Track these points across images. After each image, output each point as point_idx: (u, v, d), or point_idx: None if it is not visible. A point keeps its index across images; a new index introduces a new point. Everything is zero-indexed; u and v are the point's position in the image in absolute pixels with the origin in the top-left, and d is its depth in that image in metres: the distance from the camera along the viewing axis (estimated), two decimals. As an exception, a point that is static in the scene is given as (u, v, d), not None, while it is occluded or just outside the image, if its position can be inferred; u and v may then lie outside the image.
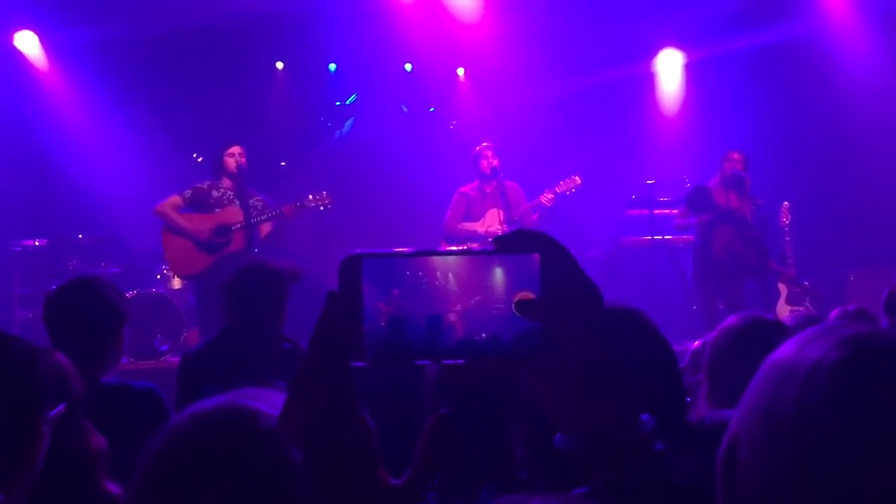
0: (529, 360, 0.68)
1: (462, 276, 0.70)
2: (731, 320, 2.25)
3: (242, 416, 0.91)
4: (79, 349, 2.31)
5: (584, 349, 0.67)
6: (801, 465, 0.64)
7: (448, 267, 0.70)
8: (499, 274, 0.69)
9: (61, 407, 1.36)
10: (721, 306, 6.41)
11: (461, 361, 0.68)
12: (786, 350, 0.71)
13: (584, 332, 0.67)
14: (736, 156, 6.41)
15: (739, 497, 0.69)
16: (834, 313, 3.02)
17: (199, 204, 6.03)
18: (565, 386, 0.67)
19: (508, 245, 0.70)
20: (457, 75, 9.16)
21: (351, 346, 0.68)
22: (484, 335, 0.69)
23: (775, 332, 2.19)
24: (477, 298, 0.69)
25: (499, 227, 6.34)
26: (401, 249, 0.71)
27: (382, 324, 0.69)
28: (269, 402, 0.91)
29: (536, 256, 0.69)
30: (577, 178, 6.42)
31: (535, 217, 6.44)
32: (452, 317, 0.69)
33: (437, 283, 0.70)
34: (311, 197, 6.06)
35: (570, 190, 6.42)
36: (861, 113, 8.02)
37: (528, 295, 0.68)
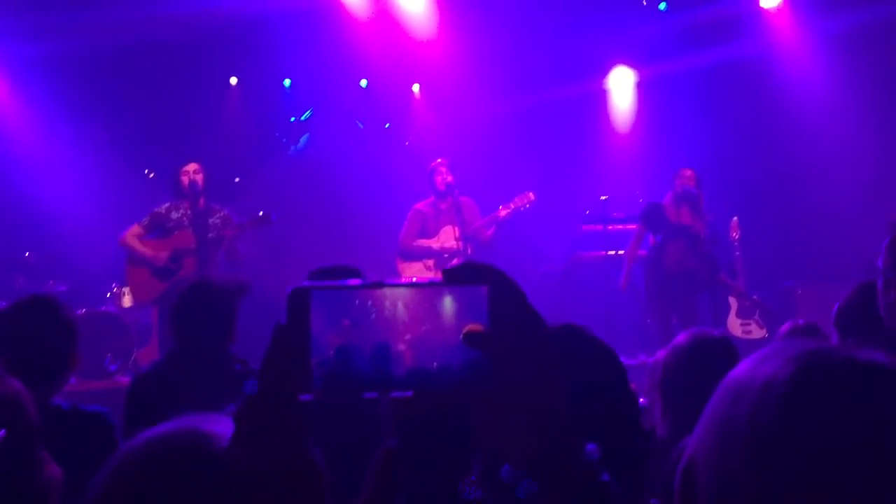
0: (478, 390, 0.68)
1: (411, 306, 0.69)
2: (679, 339, 2.28)
3: (200, 440, 0.89)
4: (32, 367, 2.26)
5: (529, 381, 0.67)
6: (756, 481, 0.65)
7: (397, 297, 0.70)
8: (448, 303, 0.69)
9: (2, 432, 1.31)
10: (674, 320, 6.50)
11: (409, 393, 0.68)
12: (740, 369, 0.72)
13: (531, 365, 0.67)
14: (688, 173, 6.50)
15: None
16: (784, 327, 3.08)
17: (159, 229, 6.00)
18: (511, 417, 0.67)
19: (457, 277, 0.70)
20: (412, 92, 9.19)
21: (299, 380, 0.67)
22: (435, 365, 0.69)
23: (722, 348, 2.23)
24: (426, 328, 0.69)
25: (454, 243, 6.35)
26: (350, 281, 0.70)
27: (331, 353, 0.68)
28: (227, 427, 0.89)
29: (485, 288, 0.69)
30: (531, 193, 6.47)
31: (490, 232, 6.46)
32: (402, 346, 0.69)
33: (386, 312, 0.69)
34: (254, 217, 6.00)
35: (524, 206, 6.46)
36: (807, 130, 8.23)
37: (476, 326, 0.68)
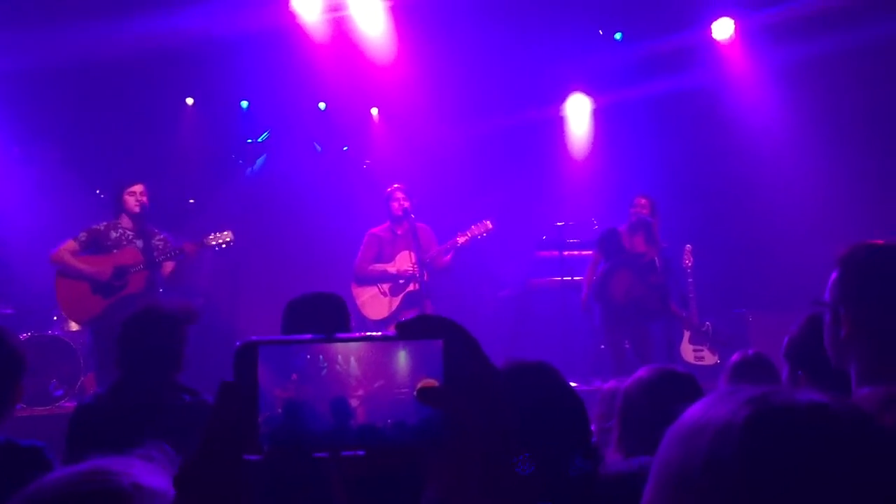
0: (433, 448, 0.66)
1: (364, 360, 0.67)
2: (643, 371, 2.29)
3: (108, 481, 0.86)
4: None
5: (487, 439, 0.65)
6: None
7: (350, 351, 0.68)
8: (402, 358, 0.68)
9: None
10: (628, 346, 6.52)
11: (361, 452, 0.66)
12: (693, 412, 0.73)
13: (487, 422, 0.66)
14: (642, 201, 6.53)
15: None
16: (734, 358, 3.10)
17: (95, 246, 5.78)
18: (467, 476, 0.65)
19: (411, 331, 0.68)
20: (371, 115, 9.19)
21: (245, 440, 0.64)
22: (389, 421, 0.67)
23: (686, 384, 2.24)
24: (380, 383, 0.67)
25: (411, 267, 6.33)
26: (299, 336, 0.68)
27: (280, 410, 0.66)
28: (139, 469, 0.86)
29: (439, 342, 0.67)
30: (488, 222, 6.45)
31: (447, 258, 6.44)
32: (354, 402, 0.67)
33: (338, 367, 0.67)
34: (212, 235, 5.89)
35: (481, 234, 6.44)
36: (758, 158, 8.41)
37: (430, 382, 0.66)
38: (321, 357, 0.68)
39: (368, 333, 0.70)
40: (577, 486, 1.37)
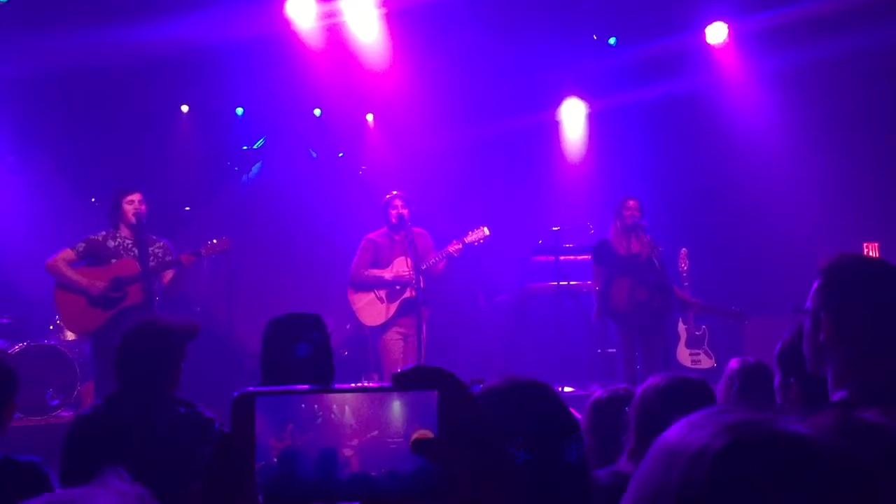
0: (427, 498, 0.66)
1: (359, 410, 0.68)
2: (655, 379, 2.31)
3: None
4: None
5: (482, 489, 0.66)
6: None
7: (345, 400, 0.68)
8: (397, 408, 0.69)
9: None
10: (638, 352, 6.46)
11: (356, 503, 0.66)
12: (672, 434, 0.73)
13: (483, 472, 0.66)
14: (632, 203, 6.53)
15: None
16: (733, 364, 3.09)
17: (93, 256, 5.65)
18: None
19: (407, 382, 0.69)
20: (366, 121, 9.20)
21: (242, 492, 0.65)
22: (383, 471, 0.67)
23: (699, 391, 2.26)
24: (374, 433, 0.68)
25: (407, 273, 6.30)
26: (296, 387, 0.69)
27: (274, 460, 0.66)
28: (106, 501, 0.85)
29: (434, 393, 0.68)
30: (485, 228, 6.40)
31: (442, 266, 6.41)
32: (348, 451, 0.67)
33: (332, 416, 0.68)
34: (209, 243, 5.83)
35: (478, 241, 6.40)
36: (752, 162, 8.43)
37: (425, 434, 0.67)
38: (316, 407, 0.68)
39: (364, 384, 0.71)
40: None
